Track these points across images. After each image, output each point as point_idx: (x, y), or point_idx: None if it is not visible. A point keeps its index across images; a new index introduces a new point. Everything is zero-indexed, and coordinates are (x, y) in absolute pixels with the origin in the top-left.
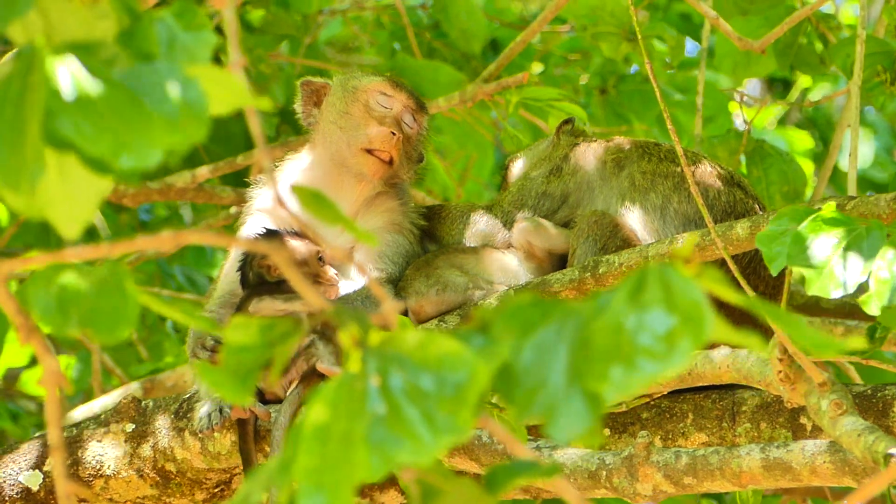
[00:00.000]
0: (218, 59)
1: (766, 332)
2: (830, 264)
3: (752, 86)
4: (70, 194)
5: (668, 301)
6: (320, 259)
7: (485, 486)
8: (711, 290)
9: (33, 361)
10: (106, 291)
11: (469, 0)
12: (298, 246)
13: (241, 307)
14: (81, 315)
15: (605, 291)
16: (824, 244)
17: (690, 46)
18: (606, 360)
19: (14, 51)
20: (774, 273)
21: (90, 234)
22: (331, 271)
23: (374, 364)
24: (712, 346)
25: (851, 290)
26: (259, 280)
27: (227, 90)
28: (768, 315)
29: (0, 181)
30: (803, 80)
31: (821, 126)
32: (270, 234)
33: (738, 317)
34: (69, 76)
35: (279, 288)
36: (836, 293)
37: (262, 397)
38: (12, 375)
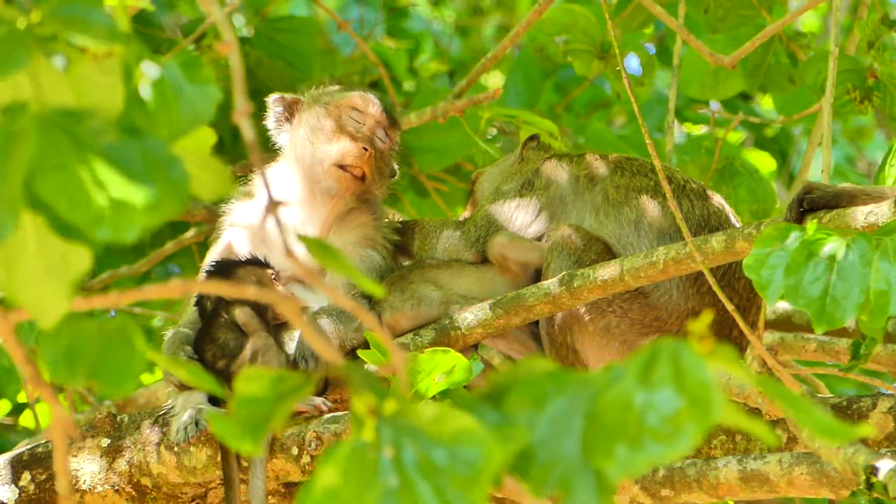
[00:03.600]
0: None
1: (740, 344)
2: (830, 293)
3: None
4: (48, 271)
5: (678, 381)
6: (274, 280)
7: None
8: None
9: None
10: (114, 345)
11: None
12: (248, 273)
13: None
14: (89, 367)
15: (618, 363)
16: (816, 270)
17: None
18: (613, 438)
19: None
20: (770, 303)
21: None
22: (284, 292)
23: (388, 434)
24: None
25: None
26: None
27: (212, 176)
28: (783, 402)
29: None
30: (764, 101)
31: (780, 140)
32: (221, 265)
33: (714, 327)
34: (54, 140)
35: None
36: (848, 321)
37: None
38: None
